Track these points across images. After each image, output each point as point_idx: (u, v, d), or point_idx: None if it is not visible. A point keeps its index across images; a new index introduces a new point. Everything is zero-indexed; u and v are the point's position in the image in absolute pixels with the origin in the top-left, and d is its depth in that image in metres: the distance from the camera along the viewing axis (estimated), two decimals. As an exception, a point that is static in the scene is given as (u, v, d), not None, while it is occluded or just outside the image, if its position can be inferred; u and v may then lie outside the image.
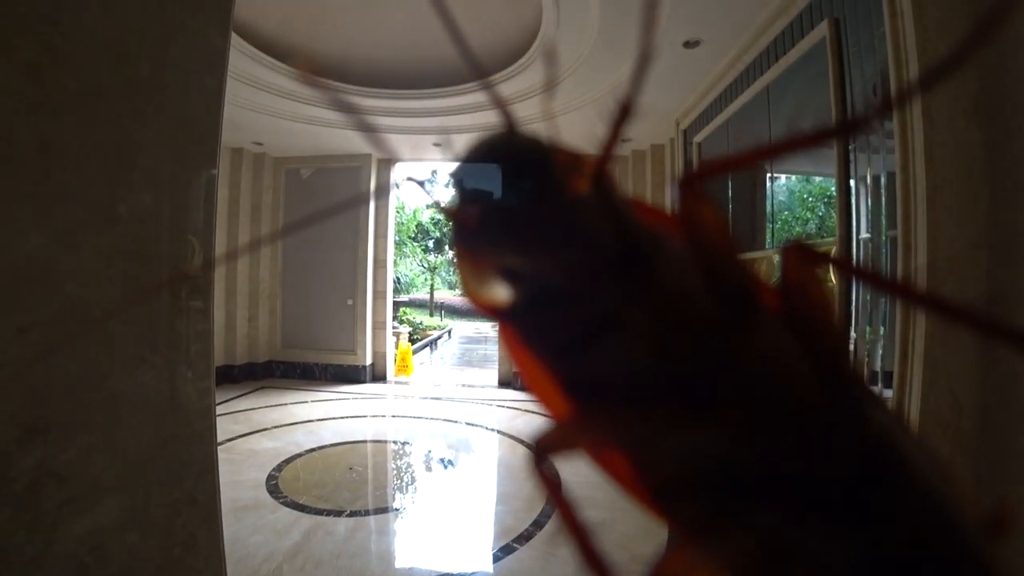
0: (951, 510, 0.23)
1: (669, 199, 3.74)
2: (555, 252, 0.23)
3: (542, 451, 0.27)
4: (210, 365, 0.92)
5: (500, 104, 0.27)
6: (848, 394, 0.25)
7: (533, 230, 0.23)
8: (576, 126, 5.63)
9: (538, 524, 3.02)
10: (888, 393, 2.26)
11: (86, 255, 0.68)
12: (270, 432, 4.73)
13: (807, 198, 2.92)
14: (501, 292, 0.26)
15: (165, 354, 0.82)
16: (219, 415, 1.04)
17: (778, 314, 0.26)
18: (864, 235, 2.46)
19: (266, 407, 5.64)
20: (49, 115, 0.62)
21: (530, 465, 0.27)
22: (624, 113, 0.25)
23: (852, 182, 2.56)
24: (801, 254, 0.27)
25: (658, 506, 0.28)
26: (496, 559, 2.67)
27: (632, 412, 0.24)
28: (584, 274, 0.24)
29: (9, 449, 0.57)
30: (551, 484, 0.28)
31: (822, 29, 2.69)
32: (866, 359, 2.43)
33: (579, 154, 0.25)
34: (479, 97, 5.20)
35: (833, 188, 2.70)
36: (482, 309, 0.26)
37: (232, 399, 5.88)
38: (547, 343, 0.26)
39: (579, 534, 0.28)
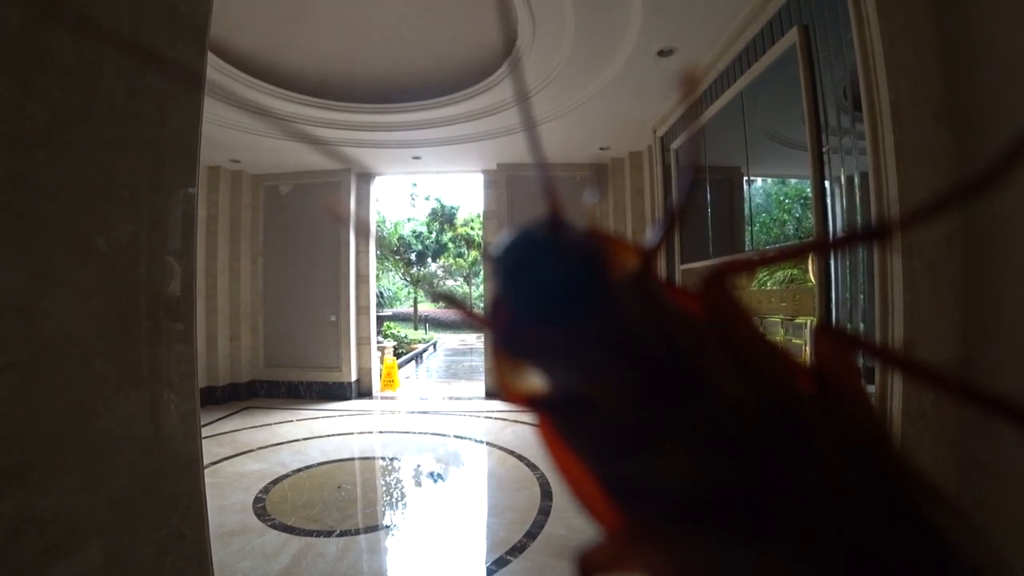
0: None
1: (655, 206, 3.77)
2: (601, 354, 0.22)
3: (587, 571, 0.24)
4: (194, 388, 0.90)
5: (550, 191, 0.26)
6: (908, 499, 0.22)
7: (577, 334, 0.22)
8: (554, 135, 5.67)
9: (531, 535, 3.00)
10: (871, 389, 2.30)
11: (63, 291, 0.66)
12: (255, 453, 4.65)
13: (783, 200, 2.96)
14: (537, 382, 0.24)
15: (148, 385, 0.80)
16: (203, 438, 1.02)
17: (824, 409, 0.24)
18: (841, 236, 2.50)
19: (251, 428, 5.55)
20: (23, 149, 0.60)
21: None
22: (672, 221, 0.26)
23: (827, 183, 2.61)
24: (833, 339, 0.26)
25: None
26: (490, 572, 2.65)
27: (684, 531, 0.22)
28: (628, 377, 0.22)
29: None
30: None
31: (792, 35, 2.76)
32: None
33: (623, 246, 0.25)
34: (457, 110, 5.21)
35: (809, 190, 2.75)
36: (516, 400, 0.25)
37: (215, 421, 5.77)
38: (588, 444, 0.24)
39: None
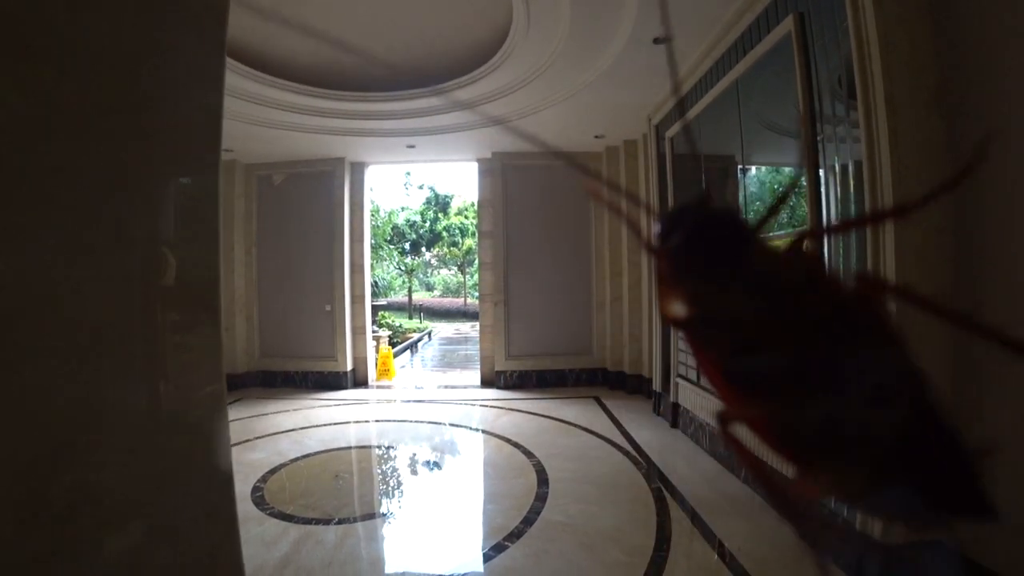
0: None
1: (644, 192, 3.78)
2: (734, 286, 0.35)
3: (724, 420, 0.38)
4: (221, 371, 0.94)
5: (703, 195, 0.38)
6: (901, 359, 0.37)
7: (728, 270, 0.35)
8: (549, 124, 5.66)
9: (528, 521, 3.03)
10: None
11: (101, 278, 0.69)
12: (253, 443, 4.66)
13: (777, 188, 2.97)
14: (683, 310, 0.36)
15: (180, 370, 0.83)
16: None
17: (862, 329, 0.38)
18: (835, 224, 2.53)
19: (248, 418, 5.56)
20: (61, 139, 0.61)
21: (718, 429, 0.39)
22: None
23: (821, 172, 2.63)
24: (869, 280, 0.39)
25: (764, 431, 0.38)
26: (487, 558, 2.68)
27: (771, 397, 0.36)
28: (745, 306, 0.35)
29: (45, 472, 0.58)
30: (735, 442, 0.39)
31: (787, 24, 2.76)
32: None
33: (747, 222, 0.37)
34: (451, 98, 5.19)
35: (803, 178, 2.76)
36: (669, 320, 0.37)
37: (211, 411, 5.77)
38: (717, 351, 0.38)
39: (760, 471, 0.40)
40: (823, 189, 2.62)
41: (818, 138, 2.64)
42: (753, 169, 3.65)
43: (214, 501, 0.87)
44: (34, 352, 0.60)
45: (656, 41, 3.75)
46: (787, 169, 3.23)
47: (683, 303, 0.36)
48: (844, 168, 2.46)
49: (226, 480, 0.90)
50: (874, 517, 0.43)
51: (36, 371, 0.59)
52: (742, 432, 0.38)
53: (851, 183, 2.42)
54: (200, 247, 0.88)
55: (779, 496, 0.39)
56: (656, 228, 0.37)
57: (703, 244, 0.35)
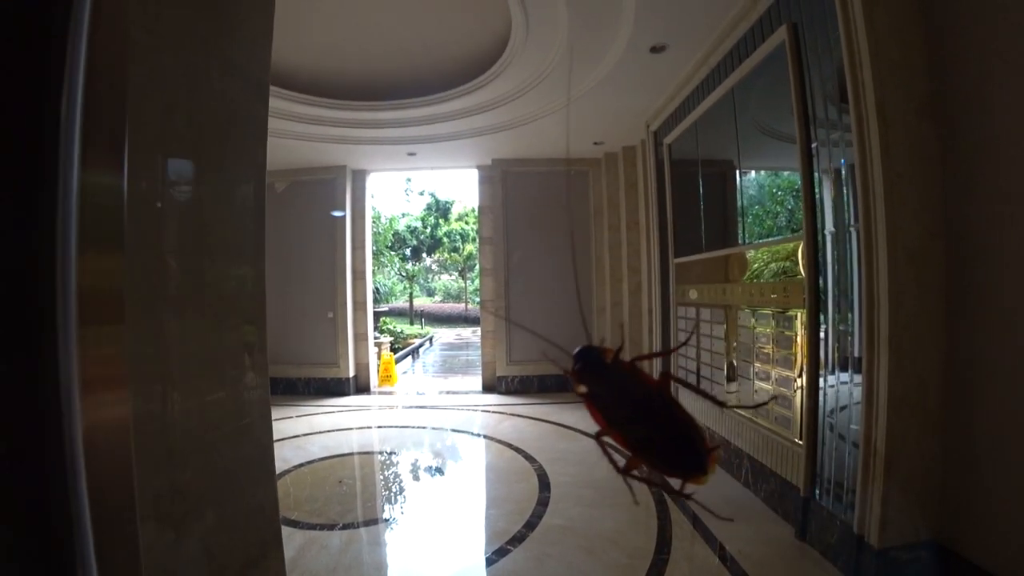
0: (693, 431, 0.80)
1: (643, 200, 3.84)
2: (607, 381, 0.81)
3: (599, 435, 0.81)
4: (267, 381, 1.03)
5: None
6: (668, 407, 0.81)
7: (599, 376, 0.80)
8: (549, 131, 5.71)
9: (530, 525, 3.06)
10: (858, 378, 2.37)
11: (172, 296, 0.81)
12: (256, 449, 4.69)
13: (776, 192, 2.99)
14: (584, 389, 0.80)
15: (236, 380, 0.94)
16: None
17: (658, 396, 0.82)
18: (830, 229, 2.56)
19: (250, 424, 5.58)
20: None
21: (596, 441, 0.81)
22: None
23: (816, 175, 2.67)
24: (664, 376, 0.84)
25: (624, 443, 0.81)
26: (490, 563, 2.71)
27: (624, 423, 0.81)
28: (616, 389, 0.81)
29: (155, 470, 0.73)
30: (603, 444, 0.82)
31: (781, 33, 2.80)
32: (836, 346, 2.54)
33: (611, 350, 0.81)
34: (451, 107, 5.24)
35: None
36: (580, 395, 0.80)
37: (215, 418, 5.79)
38: (599, 403, 0.81)
39: (611, 457, 0.82)
40: (818, 194, 2.66)
41: (812, 145, 2.68)
42: (752, 173, 3.69)
43: (262, 499, 1.00)
44: (150, 377, 0.76)
45: (653, 50, 3.81)
46: (785, 173, 3.28)
47: (584, 388, 0.80)
48: (838, 172, 2.51)
49: (271, 480, 1.04)
50: (659, 471, 0.80)
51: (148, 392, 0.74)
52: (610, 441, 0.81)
53: (844, 188, 2.46)
54: (251, 260, 0.97)
55: (627, 464, 0.81)
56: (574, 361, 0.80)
57: (586, 366, 0.80)
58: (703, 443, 0.80)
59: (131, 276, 0.72)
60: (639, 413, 0.81)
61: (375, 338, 8.31)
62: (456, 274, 32.91)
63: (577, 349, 0.81)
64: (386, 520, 3.32)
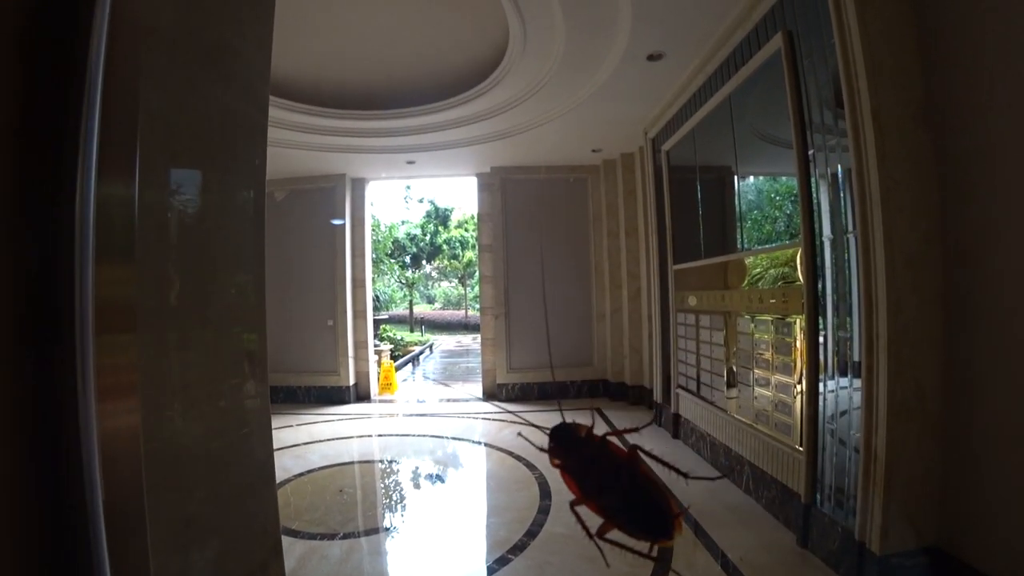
0: (660, 498, 0.88)
1: (642, 210, 3.85)
2: (580, 455, 0.90)
3: (574, 504, 0.91)
4: (267, 406, 1.03)
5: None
6: (636, 477, 0.89)
7: (572, 451, 0.90)
8: (547, 138, 5.74)
9: (531, 534, 3.05)
10: (856, 383, 2.37)
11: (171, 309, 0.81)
12: (256, 459, 4.68)
13: (774, 197, 3.00)
14: (560, 461, 0.90)
15: (238, 408, 0.95)
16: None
17: (628, 465, 0.90)
18: (828, 234, 2.57)
19: (250, 434, 5.57)
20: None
21: (570, 509, 0.90)
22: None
23: (813, 180, 2.68)
24: (634, 451, 0.92)
25: (598, 510, 0.89)
26: (491, 571, 2.70)
27: (597, 493, 0.90)
28: (589, 462, 0.90)
29: (159, 479, 0.73)
30: (577, 514, 0.90)
31: (777, 41, 2.83)
32: (836, 351, 2.54)
33: (584, 427, 0.92)
34: (450, 115, 5.27)
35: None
36: (555, 465, 0.91)
37: (215, 427, 5.78)
38: (574, 473, 0.90)
39: (583, 523, 0.90)
40: (814, 200, 2.68)
41: (809, 152, 2.69)
42: (750, 178, 3.70)
43: (265, 522, 1.00)
44: (153, 386, 0.75)
45: (650, 58, 3.83)
46: (783, 179, 3.29)
47: (560, 461, 0.89)
48: (835, 178, 2.52)
49: (272, 503, 1.03)
50: (629, 534, 0.87)
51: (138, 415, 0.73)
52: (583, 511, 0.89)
53: (841, 195, 2.47)
54: (250, 270, 0.97)
55: (600, 528, 0.88)
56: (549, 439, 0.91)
57: (560, 442, 0.90)
58: (669, 509, 0.87)
59: (140, 286, 0.73)
60: (609, 482, 0.89)
61: (375, 346, 8.31)
62: (456, 281, 32.91)
63: (552, 427, 0.91)
64: (387, 529, 3.31)
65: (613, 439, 0.92)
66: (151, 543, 0.70)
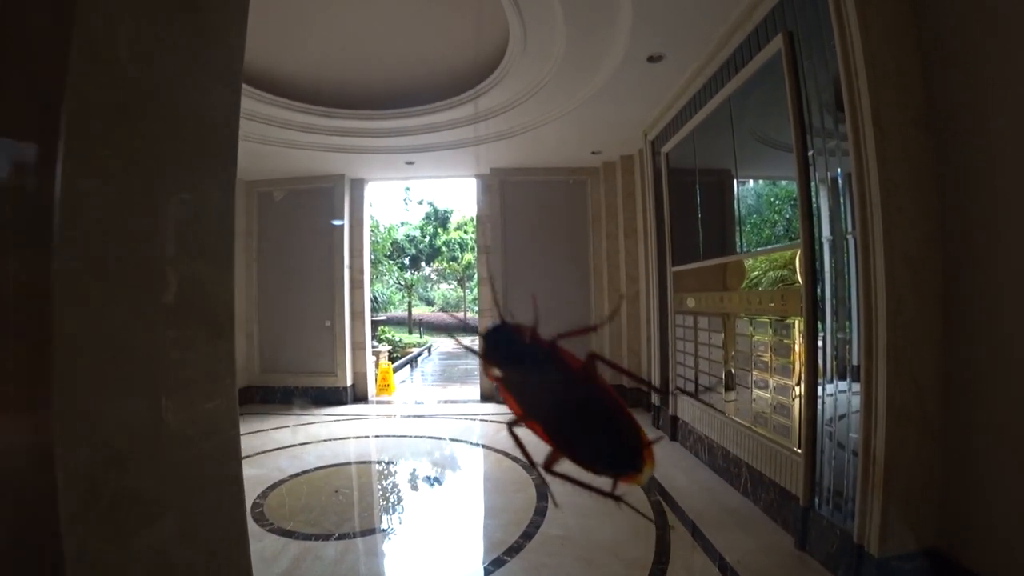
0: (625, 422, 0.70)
1: (641, 208, 3.84)
2: (519, 360, 0.72)
3: (512, 424, 0.73)
4: (234, 386, 1.01)
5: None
6: (594, 393, 0.70)
7: (512, 358, 0.72)
8: (547, 140, 5.73)
9: (527, 536, 3.04)
10: (856, 387, 2.36)
11: (126, 291, 0.79)
12: (253, 459, 4.66)
13: (773, 200, 2.99)
14: (498, 372, 0.73)
15: (200, 385, 0.92)
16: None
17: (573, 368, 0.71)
18: (827, 236, 2.56)
19: (247, 433, 5.55)
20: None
21: (507, 430, 0.73)
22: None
23: (813, 183, 2.67)
24: (592, 357, 0.71)
25: (544, 435, 0.72)
26: (487, 573, 2.69)
27: (542, 411, 0.72)
28: (527, 367, 0.72)
29: (96, 473, 0.71)
30: (515, 436, 0.73)
31: (777, 42, 2.82)
32: (835, 354, 2.53)
33: (527, 328, 0.71)
34: (448, 115, 5.26)
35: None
36: (492, 379, 0.74)
37: (211, 427, 5.76)
38: (514, 389, 0.73)
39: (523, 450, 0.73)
40: (814, 202, 2.67)
41: (808, 154, 2.69)
42: (750, 182, 3.70)
43: (228, 506, 0.96)
44: (99, 381, 0.73)
45: (650, 60, 3.83)
46: (783, 181, 3.28)
47: (495, 370, 0.73)
48: (835, 182, 2.51)
49: (237, 486, 1.00)
50: (587, 468, 0.66)
51: (97, 395, 0.73)
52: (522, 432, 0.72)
53: (841, 197, 2.46)
54: (218, 265, 0.95)
55: (548, 459, 0.71)
56: (483, 340, 0.73)
57: (497, 345, 0.72)
58: (637, 436, 0.67)
59: (88, 277, 0.71)
60: (560, 400, 0.70)
61: (373, 347, 8.29)
62: (455, 283, 32.88)
63: (488, 327, 0.71)
64: (382, 530, 3.29)
65: (566, 347, 0.71)
66: (90, 541, 0.68)
